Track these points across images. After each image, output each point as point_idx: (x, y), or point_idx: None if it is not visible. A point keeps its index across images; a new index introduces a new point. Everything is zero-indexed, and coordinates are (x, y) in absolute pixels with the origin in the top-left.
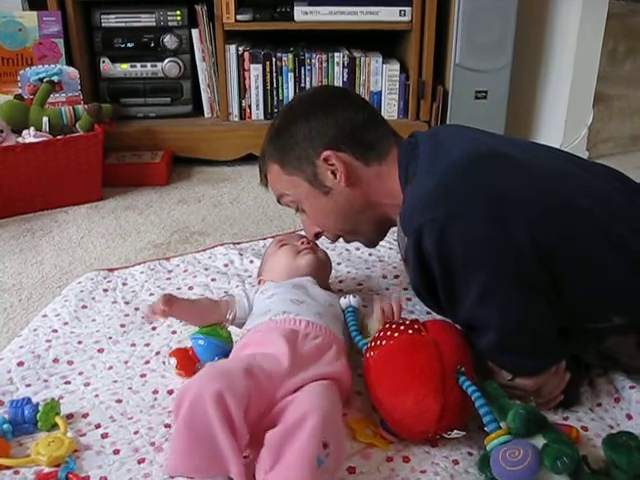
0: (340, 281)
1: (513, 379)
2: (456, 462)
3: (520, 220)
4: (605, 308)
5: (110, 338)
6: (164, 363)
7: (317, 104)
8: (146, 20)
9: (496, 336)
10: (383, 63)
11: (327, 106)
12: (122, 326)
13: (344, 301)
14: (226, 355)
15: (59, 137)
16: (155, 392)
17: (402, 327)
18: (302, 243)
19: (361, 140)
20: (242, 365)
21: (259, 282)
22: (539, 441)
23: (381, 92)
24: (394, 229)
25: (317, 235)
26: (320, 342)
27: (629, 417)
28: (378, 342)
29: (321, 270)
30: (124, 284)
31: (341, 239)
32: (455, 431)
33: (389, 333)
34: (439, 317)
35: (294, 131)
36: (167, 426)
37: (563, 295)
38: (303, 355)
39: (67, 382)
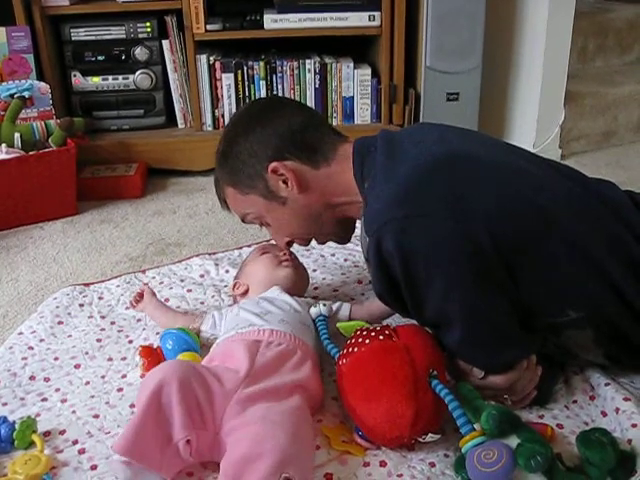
0: (315, 288)
1: (485, 377)
2: (432, 465)
3: (478, 217)
4: (560, 303)
5: (87, 353)
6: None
7: (253, 119)
8: (116, 33)
9: (461, 331)
10: (354, 68)
11: (263, 118)
12: (98, 341)
13: (314, 310)
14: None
15: (32, 153)
16: (132, 406)
17: (373, 333)
18: (284, 254)
19: (303, 144)
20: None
21: (234, 285)
22: (513, 441)
23: (353, 97)
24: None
25: (289, 244)
26: (284, 348)
27: (604, 414)
28: (350, 349)
29: (298, 284)
30: (100, 298)
31: (314, 242)
32: (430, 435)
33: (360, 340)
34: (411, 322)
35: (238, 151)
36: None
37: (520, 289)
38: (264, 363)
39: (44, 399)
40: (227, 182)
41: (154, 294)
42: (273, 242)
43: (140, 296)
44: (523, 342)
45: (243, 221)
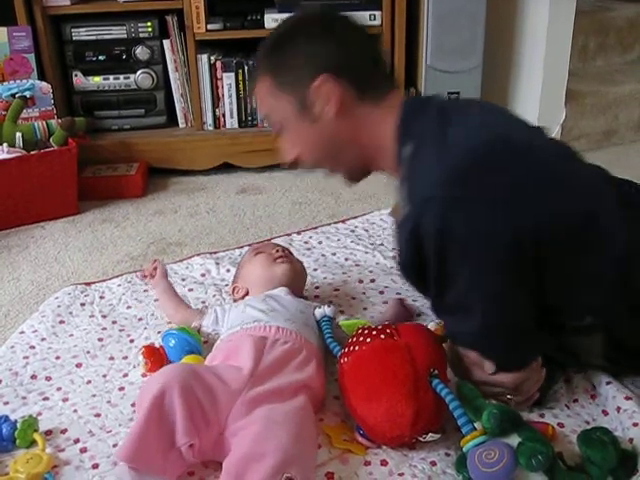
0: (316, 287)
1: (495, 373)
2: (434, 463)
3: (526, 213)
4: (584, 308)
5: (88, 352)
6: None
7: (325, 25)
8: (117, 32)
9: (482, 321)
10: None
11: (333, 30)
12: (100, 340)
13: (319, 311)
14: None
15: (33, 152)
16: (134, 405)
17: (374, 332)
18: (277, 251)
19: (361, 74)
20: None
21: (233, 289)
22: (514, 440)
23: None
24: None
25: (293, 163)
26: (289, 347)
27: (605, 413)
28: (351, 348)
29: (296, 279)
30: (101, 297)
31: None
32: (430, 434)
33: (362, 339)
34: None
35: (292, 48)
36: None
37: (550, 289)
38: (270, 362)
39: (45, 398)
40: (267, 73)
41: (166, 275)
42: (265, 242)
43: (155, 270)
44: (541, 341)
45: (264, 121)
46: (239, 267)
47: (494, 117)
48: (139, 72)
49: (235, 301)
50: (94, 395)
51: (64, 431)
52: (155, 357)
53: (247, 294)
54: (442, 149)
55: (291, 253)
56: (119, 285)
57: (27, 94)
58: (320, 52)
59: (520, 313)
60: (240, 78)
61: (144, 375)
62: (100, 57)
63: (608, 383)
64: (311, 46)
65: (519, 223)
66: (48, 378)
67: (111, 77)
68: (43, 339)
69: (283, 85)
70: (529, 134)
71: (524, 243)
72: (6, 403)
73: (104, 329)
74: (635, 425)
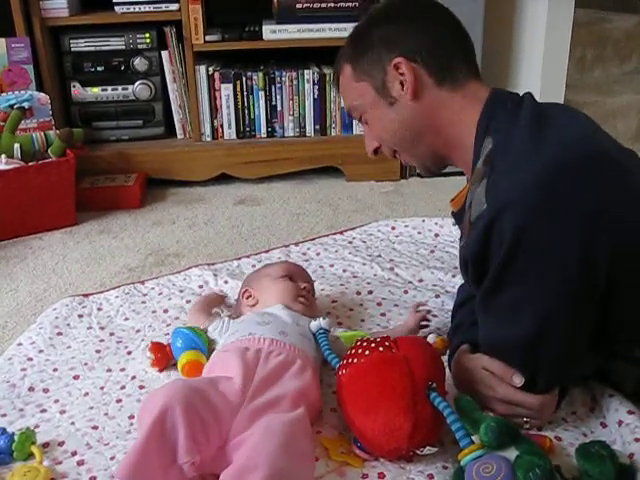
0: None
1: (522, 388)
2: (431, 476)
3: (607, 230)
4: (636, 341)
5: (86, 364)
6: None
7: (405, 10)
8: (115, 44)
9: (531, 328)
10: None
11: (415, 15)
12: (97, 352)
13: (314, 324)
14: None
15: (31, 163)
16: (131, 417)
17: (373, 344)
18: (304, 289)
19: (440, 57)
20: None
21: (245, 292)
22: (512, 453)
23: None
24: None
25: (375, 151)
26: (283, 358)
27: (603, 425)
28: (350, 360)
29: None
30: (99, 309)
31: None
32: (427, 447)
33: (360, 351)
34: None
35: (372, 33)
36: None
37: (611, 315)
38: (266, 374)
39: (43, 410)
40: (348, 60)
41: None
42: (298, 266)
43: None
44: (586, 364)
45: (349, 114)
46: (262, 273)
47: (591, 127)
48: (137, 83)
49: (239, 306)
50: (92, 407)
51: (61, 444)
52: (161, 353)
53: (257, 304)
54: (536, 150)
55: (314, 293)
56: (117, 297)
57: (25, 105)
58: (396, 36)
59: (575, 329)
60: (238, 89)
61: (143, 389)
62: (98, 68)
63: (611, 395)
64: (387, 31)
65: (598, 239)
66: (46, 390)
67: (109, 88)
68: (41, 351)
69: (362, 72)
70: (623, 153)
71: (599, 259)
72: (3, 415)
73: (102, 341)
74: (637, 440)
